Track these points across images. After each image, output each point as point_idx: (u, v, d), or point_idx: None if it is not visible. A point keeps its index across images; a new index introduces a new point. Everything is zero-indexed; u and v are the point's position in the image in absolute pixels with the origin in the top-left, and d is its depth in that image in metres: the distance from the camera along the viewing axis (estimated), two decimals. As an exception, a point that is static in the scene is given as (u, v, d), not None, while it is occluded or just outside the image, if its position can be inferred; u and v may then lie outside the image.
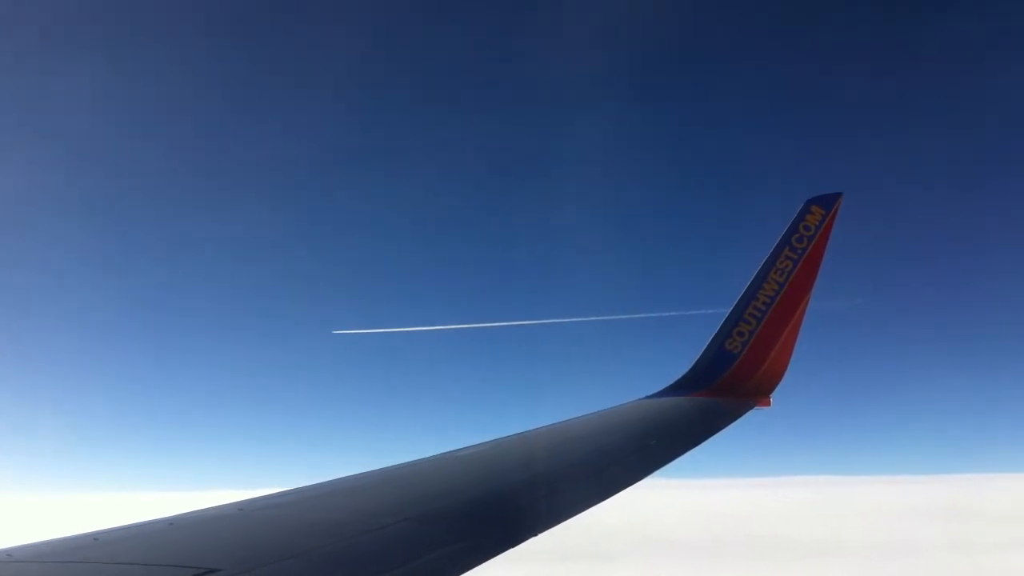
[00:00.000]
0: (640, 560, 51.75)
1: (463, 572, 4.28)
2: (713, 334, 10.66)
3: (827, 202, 10.41)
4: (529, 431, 8.16)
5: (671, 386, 10.53)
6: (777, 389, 10.33)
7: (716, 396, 10.10)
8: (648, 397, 10.30)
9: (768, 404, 10.13)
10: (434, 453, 7.26)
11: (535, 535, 5.06)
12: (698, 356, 10.67)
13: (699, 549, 54.44)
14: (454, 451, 7.31)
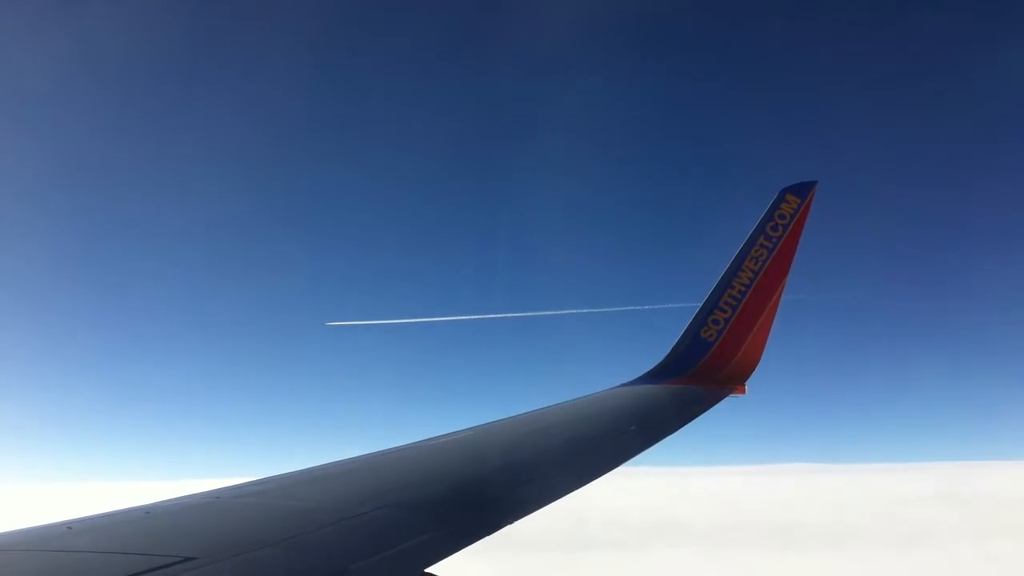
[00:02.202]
0: (627, 546, 52.09)
1: (439, 560, 4.28)
2: (689, 322, 10.72)
3: (802, 191, 10.48)
4: (506, 419, 8.17)
5: (647, 374, 10.58)
6: (753, 376, 10.41)
7: (692, 383, 10.16)
8: (625, 385, 10.34)
9: (743, 391, 10.20)
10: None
11: (512, 522, 5.07)
12: (674, 344, 10.73)
13: (696, 535, 54.76)
14: (431, 439, 7.30)
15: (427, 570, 4.30)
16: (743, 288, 10.39)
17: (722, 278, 10.56)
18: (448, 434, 7.49)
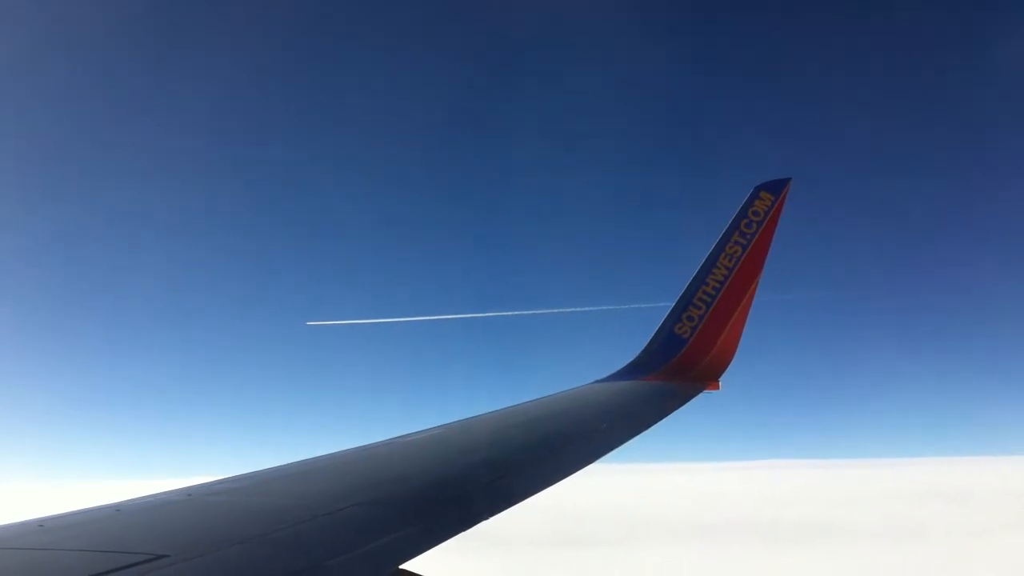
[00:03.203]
0: (604, 542, 52.33)
1: (414, 556, 4.29)
2: (663, 318, 10.79)
3: (776, 187, 10.56)
4: (481, 415, 8.19)
5: (622, 370, 10.63)
6: (728, 373, 10.49)
7: (666, 379, 10.21)
8: (599, 381, 10.38)
9: (717, 387, 10.28)
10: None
11: (487, 518, 5.09)
12: (648, 340, 10.79)
13: (673, 532, 55.13)
14: (406, 435, 7.30)
15: (402, 567, 4.31)
16: (717, 285, 10.46)
17: (696, 275, 10.63)
18: (423, 430, 7.50)
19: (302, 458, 6.42)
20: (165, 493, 5.32)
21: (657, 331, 10.77)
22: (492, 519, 5.10)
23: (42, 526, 4.39)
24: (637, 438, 7.85)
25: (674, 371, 10.35)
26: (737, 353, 10.55)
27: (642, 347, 10.81)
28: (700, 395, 9.94)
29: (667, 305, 10.95)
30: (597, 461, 6.89)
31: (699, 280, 10.59)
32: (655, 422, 8.42)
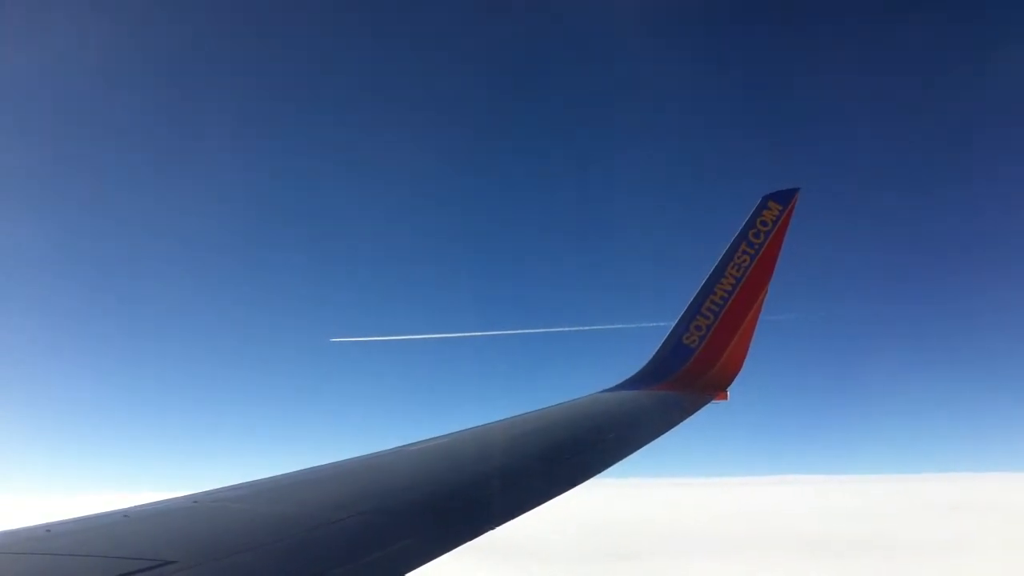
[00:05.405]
0: (609, 556, 51.98)
1: (418, 566, 4.27)
2: (671, 328, 10.76)
3: (784, 197, 10.54)
4: (486, 424, 8.15)
5: (629, 380, 10.59)
6: (735, 384, 10.44)
7: (674, 389, 10.17)
8: (606, 391, 10.34)
9: (725, 398, 10.23)
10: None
11: (492, 528, 5.07)
12: (656, 350, 10.76)
13: (719, 546, 54.61)
14: (410, 444, 7.28)
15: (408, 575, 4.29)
16: (725, 295, 10.43)
17: (704, 284, 10.60)
18: (428, 439, 7.47)
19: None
20: (172, 500, 5.31)
21: (665, 341, 10.74)
22: (500, 529, 5.08)
23: (49, 531, 4.39)
24: (644, 449, 7.81)
25: (682, 381, 10.31)
26: (745, 364, 10.51)
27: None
28: (708, 405, 9.89)
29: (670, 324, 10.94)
30: (604, 472, 6.86)
31: (707, 290, 10.56)
32: (663, 432, 8.38)
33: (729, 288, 10.41)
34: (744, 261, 10.42)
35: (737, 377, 10.47)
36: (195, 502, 5.18)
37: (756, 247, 10.41)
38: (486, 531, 4.99)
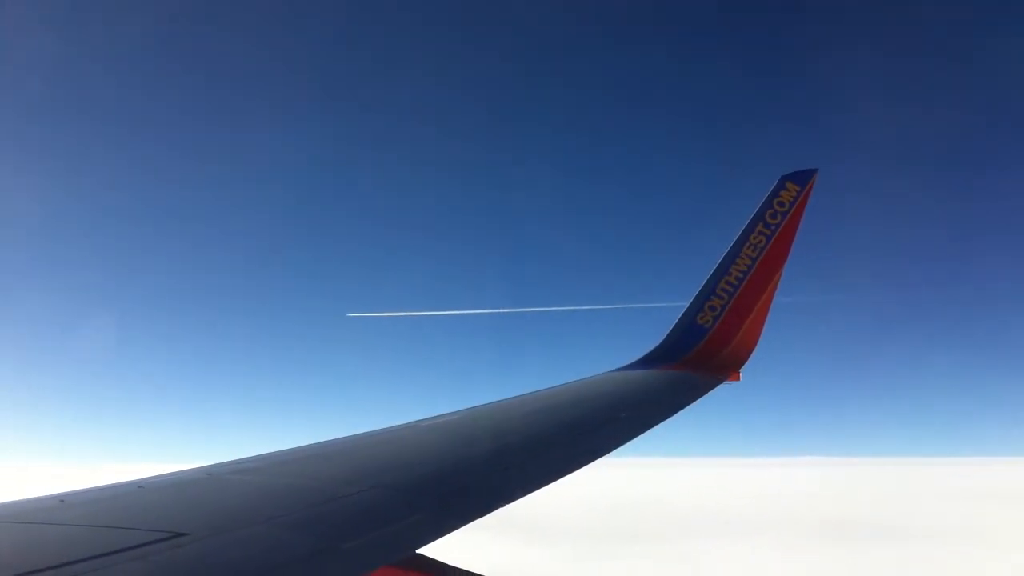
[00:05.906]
0: (624, 536, 52.18)
1: (429, 541, 4.28)
2: (685, 308, 10.72)
3: (802, 178, 10.43)
4: (498, 401, 8.16)
5: (642, 359, 10.57)
6: (748, 365, 10.41)
7: (687, 369, 10.15)
8: (619, 370, 10.33)
9: (738, 378, 10.20)
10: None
11: (503, 506, 5.07)
12: (669, 330, 10.72)
13: (740, 527, 54.68)
14: (424, 420, 7.29)
15: (418, 551, 4.30)
16: (740, 275, 10.37)
17: (719, 264, 10.54)
18: (441, 415, 7.49)
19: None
20: (185, 471, 5.34)
21: (679, 320, 10.70)
22: (511, 506, 5.08)
23: (63, 501, 4.41)
24: (656, 428, 7.80)
25: (695, 361, 10.28)
26: (759, 345, 10.48)
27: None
28: (720, 386, 9.87)
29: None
30: (617, 450, 6.86)
31: (722, 270, 10.50)
32: (675, 411, 8.36)
33: (744, 268, 10.34)
34: (760, 241, 10.35)
35: (750, 358, 10.44)
36: (209, 474, 5.20)
37: (772, 228, 10.32)
38: (497, 508, 4.99)
